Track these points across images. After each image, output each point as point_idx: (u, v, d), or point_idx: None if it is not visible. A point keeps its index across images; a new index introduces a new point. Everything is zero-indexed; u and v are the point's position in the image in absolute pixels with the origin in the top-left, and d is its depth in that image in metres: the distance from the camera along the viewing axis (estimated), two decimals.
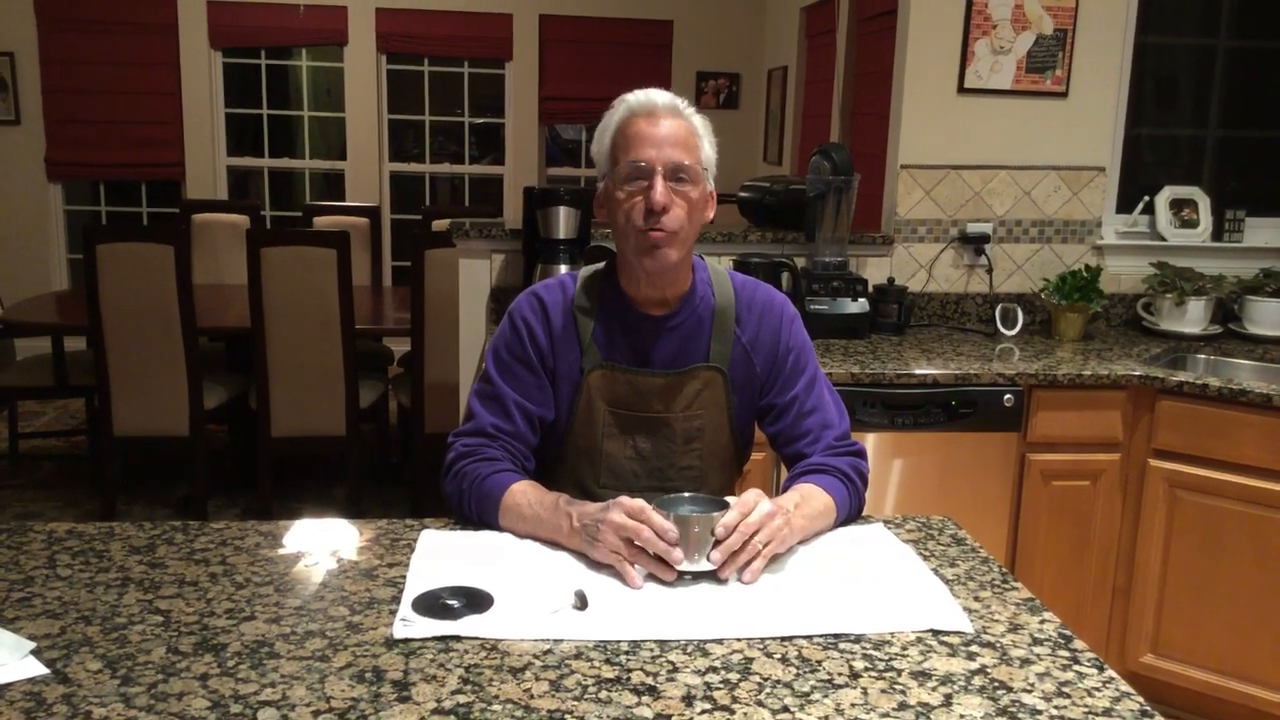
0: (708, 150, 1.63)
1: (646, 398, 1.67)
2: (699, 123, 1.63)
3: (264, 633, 1.24)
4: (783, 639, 1.26)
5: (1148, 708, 1.13)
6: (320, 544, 1.51)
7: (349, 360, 3.85)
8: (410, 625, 1.25)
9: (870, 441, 2.69)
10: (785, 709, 1.10)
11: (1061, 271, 3.24)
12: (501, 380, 1.65)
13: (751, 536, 1.39)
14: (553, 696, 1.12)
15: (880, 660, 1.22)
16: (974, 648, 1.26)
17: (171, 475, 4.50)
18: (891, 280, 3.23)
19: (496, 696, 1.11)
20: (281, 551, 1.48)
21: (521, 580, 1.37)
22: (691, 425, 1.68)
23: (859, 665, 1.20)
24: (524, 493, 1.53)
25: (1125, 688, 1.17)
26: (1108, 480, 2.82)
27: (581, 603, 1.31)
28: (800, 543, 1.52)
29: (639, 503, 1.40)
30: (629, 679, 1.16)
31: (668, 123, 1.58)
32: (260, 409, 3.89)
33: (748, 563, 1.39)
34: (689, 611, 1.31)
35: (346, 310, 3.78)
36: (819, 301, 3.07)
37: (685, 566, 1.38)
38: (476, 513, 1.55)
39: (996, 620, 1.33)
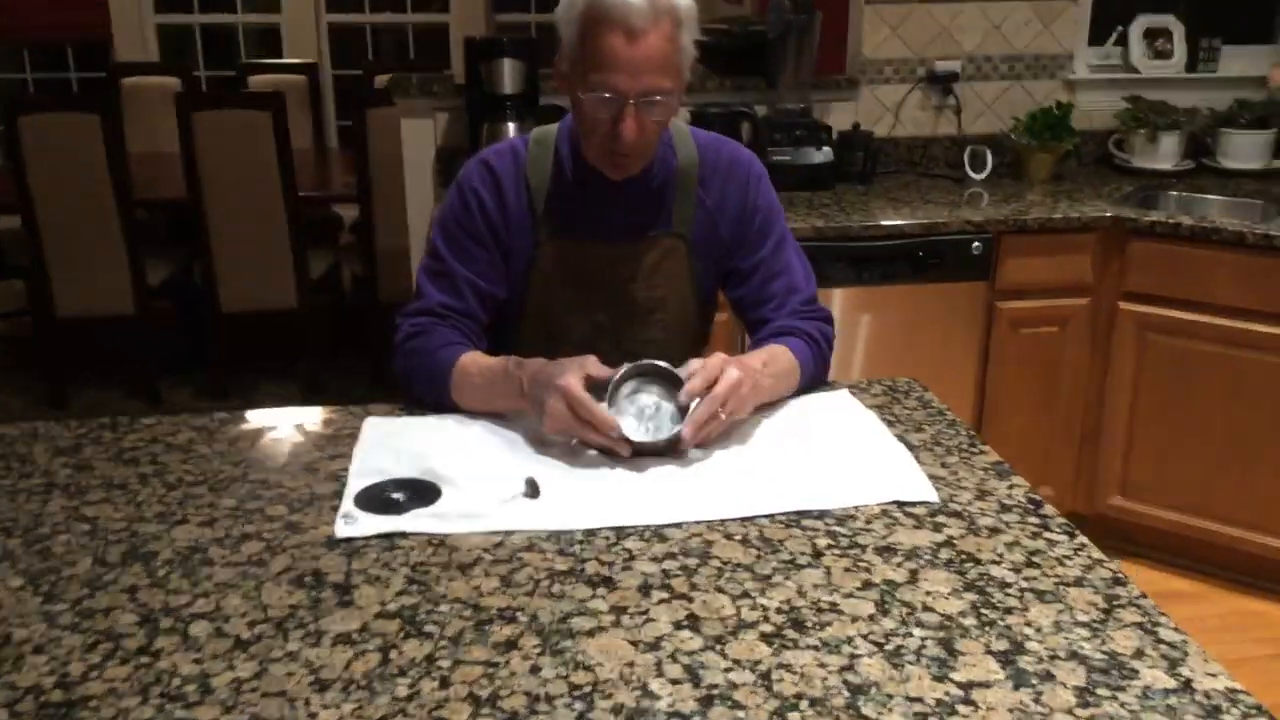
0: (687, 42, 1.42)
1: (604, 269, 1.57)
2: (683, 9, 1.39)
3: (197, 537, 1.17)
4: (743, 520, 1.20)
5: (1120, 575, 1.10)
6: (258, 437, 1.43)
7: (294, 229, 3.70)
8: (353, 523, 1.19)
9: (836, 298, 2.62)
10: (745, 594, 1.06)
11: (1032, 109, 3.12)
12: (450, 256, 1.55)
13: (722, 406, 1.33)
14: (504, 593, 1.06)
15: (844, 536, 1.17)
16: (940, 518, 1.21)
17: (123, 356, 4.38)
18: (857, 126, 3.10)
19: (444, 596, 1.06)
20: (216, 448, 1.40)
21: (470, 469, 1.30)
22: (653, 296, 1.60)
23: (822, 543, 1.16)
24: (474, 361, 1.45)
25: (1097, 554, 1.14)
26: (1076, 325, 2.78)
27: (533, 491, 1.25)
28: (762, 411, 1.45)
29: (579, 395, 1.30)
30: (583, 570, 1.10)
31: (648, 39, 1.35)
32: (206, 284, 3.76)
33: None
34: (645, 496, 1.25)
35: (287, 176, 3.61)
36: (781, 152, 2.94)
37: (645, 437, 1.32)
38: (427, 390, 1.47)
39: (964, 487, 1.29)
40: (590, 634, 0.99)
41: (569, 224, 1.56)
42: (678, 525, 1.19)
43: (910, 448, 1.38)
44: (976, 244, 2.65)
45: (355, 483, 1.28)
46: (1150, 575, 2.85)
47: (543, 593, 1.06)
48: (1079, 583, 1.08)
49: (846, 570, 1.10)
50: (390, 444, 1.38)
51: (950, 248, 2.65)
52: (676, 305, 1.62)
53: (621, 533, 1.18)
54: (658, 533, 1.18)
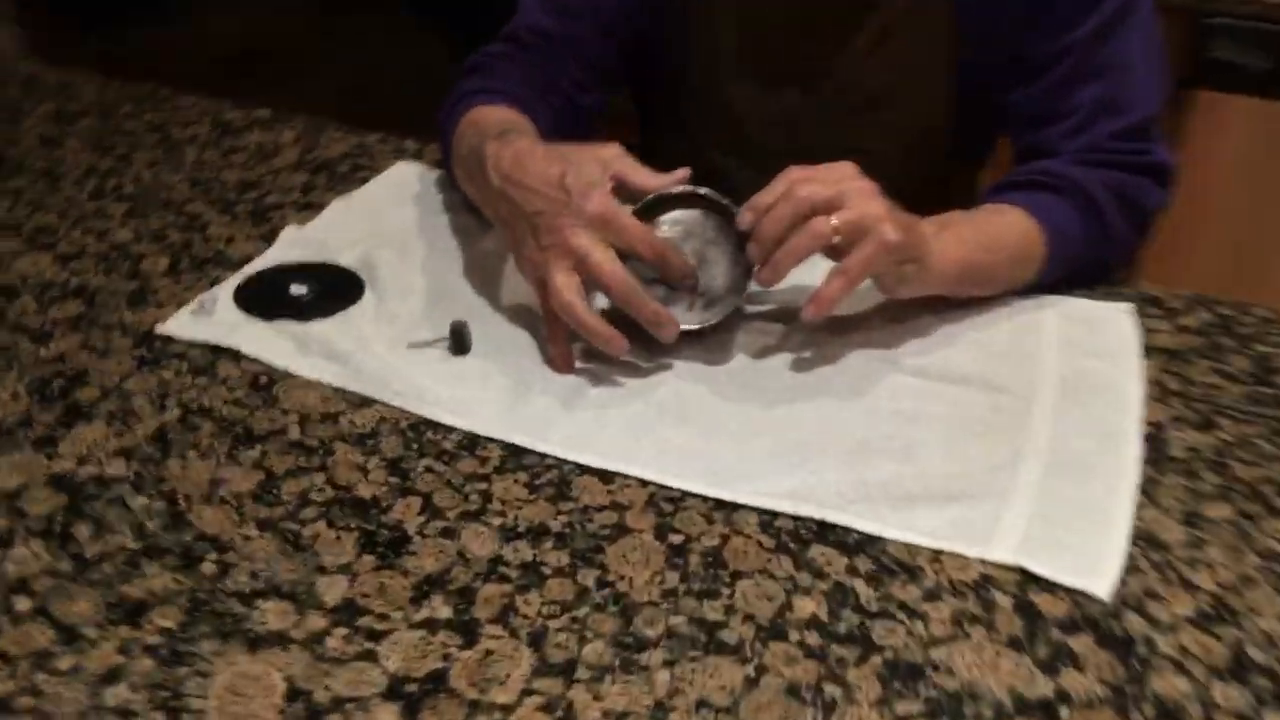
0: None
1: (805, 25, 0.97)
2: None
3: (37, 274, 0.89)
4: (738, 509, 0.68)
5: None
6: (261, 155, 1.09)
7: None
8: (201, 316, 0.83)
9: None
10: (608, 670, 0.57)
11: None
12: None
13: (813, 217, 0.73)
14: (253, 504, 0.66)
15: (873, 606, 0.61)
16: (1086, 638, 0.60)
17: None
18: None
19: (183, 474, 0.68)
20: (206, 155, 1.09)
21: (414, 278, 0.88)
22: (876, 80, 0.98)
23: (806, 608, 0.61)
24: (477, 121, 0.92)
25: None
26: None
27: (458, 344, 0.80)
28: (936, 310, 0.85)
29: (612, 207, 0.75)
30: (400, 501, 0.67)
31: None
32: None
33: (815, 292, 0.76)
34: (619, 414, 0.75)
35: None
36: None
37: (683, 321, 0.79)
38: (444, 155, 1.01)
39: (1194, 585, 0.64)
40: (277, 642, 0.58)
41: None
42: (642, 484, 0.69)
43: (1161, 458, 0.73)
44: None
45: (275, 254, 0.91)
46: None
47: (303, 517, 0.65)
48: None
49: (792, 690, 0.57)
50: (377, 209, 0.99)
51: None
52: (915, 102, 0.99)
53: (523, 458, 0.71)
54: (576, 474, 0.70)
